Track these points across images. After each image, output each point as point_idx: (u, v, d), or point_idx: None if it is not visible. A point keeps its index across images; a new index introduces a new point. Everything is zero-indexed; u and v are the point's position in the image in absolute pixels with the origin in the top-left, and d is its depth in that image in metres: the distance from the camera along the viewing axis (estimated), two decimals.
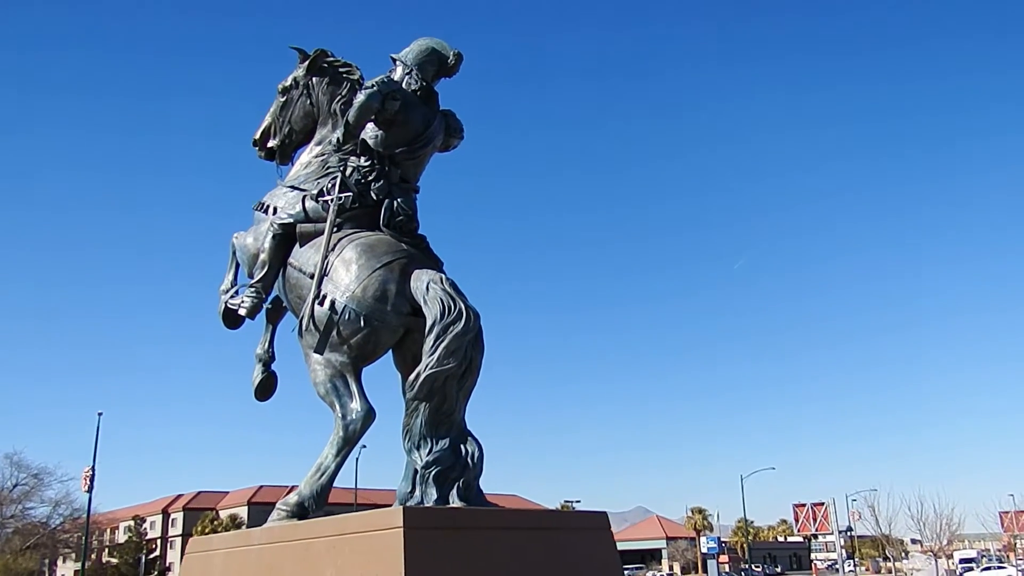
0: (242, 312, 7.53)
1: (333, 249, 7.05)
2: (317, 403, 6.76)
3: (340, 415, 6.51)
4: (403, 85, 7.77)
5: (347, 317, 6.57)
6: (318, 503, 6.44)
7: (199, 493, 78.84)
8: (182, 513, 76.92)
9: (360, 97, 7.21)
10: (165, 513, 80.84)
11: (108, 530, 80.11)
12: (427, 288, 6.40)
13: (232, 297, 7.79)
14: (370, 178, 7.34)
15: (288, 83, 8.63)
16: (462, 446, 5.98)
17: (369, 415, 6.48)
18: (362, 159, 7.44)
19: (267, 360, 8.20)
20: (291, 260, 7.56)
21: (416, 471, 5.98)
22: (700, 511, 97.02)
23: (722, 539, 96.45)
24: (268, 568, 5.90)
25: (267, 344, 8.29)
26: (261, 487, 77.55)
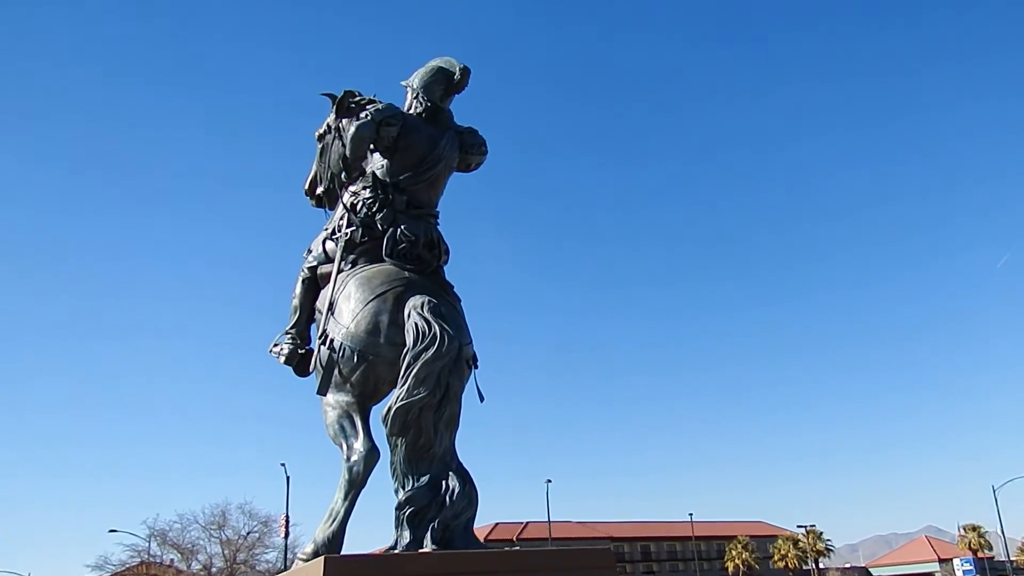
0: (281, 360, 7.58)
1: (338, 286, 6.93)
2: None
3: (345, 457, 6.29)
4: (410, 109, 7.57)
5: (343, 355, 6.38)
6: (330, 549, 6.21)
7: None
8: None
9: (352, 128, 7.09)
10: None
11: None
12: (408, 315, 6.06)
13: (275, 346, 7.90)
14: (374, 209, 7.16)
15: (322, 130, 8.70)
16: (444, 483, 5.51)
17: (371, 454, 6.19)
18: (366, 191, 7.29)
19: None
20: (317, 303, 7.54)
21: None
22: (974, 528, 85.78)
23: (1011, 559, 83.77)
24: None
25: None
26: (497, 524, 79.69)
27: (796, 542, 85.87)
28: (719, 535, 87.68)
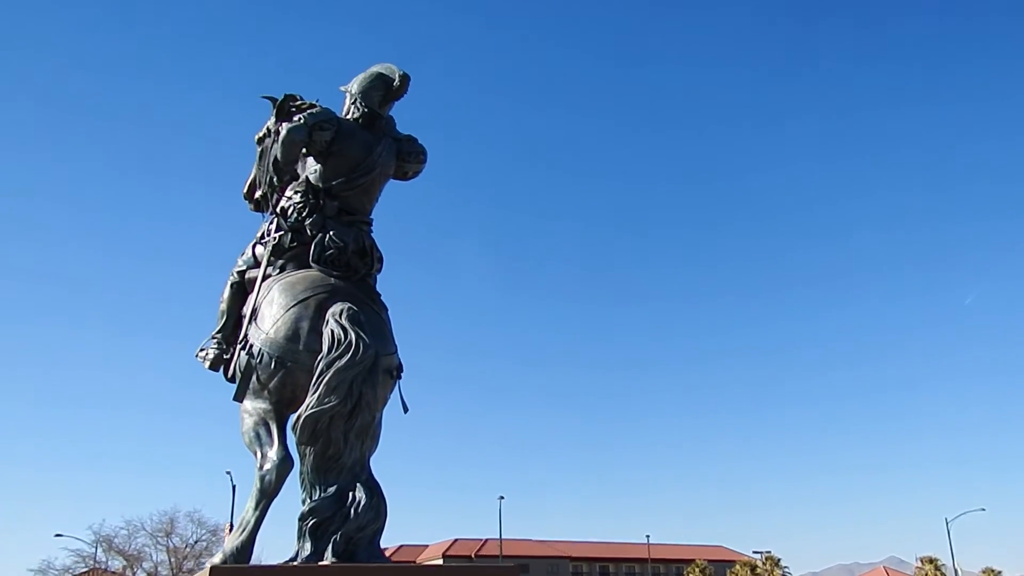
0: (206, 365, 7.41)
1: (263, 291, 6.80)
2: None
3: (258, 465, 6.15)
4: (347, 114, 7.49)
5: (262, 361, 6.25)
6: (238, 559, 6.05)
7: (401, 547, 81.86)
8: None
9: (283, 132, 6.99)
10: None
11: None
12: (327, 321, 5.96)
13: (201, 350, 7.73)
14: (304, 214, 7.05)
15: (262, 133, 8.56)
16: (351, 494, 5.39)
17: (284, 463, 6.05)
18: (296, 195, 7.18)
19: None
20: (244, 308, 7.40)
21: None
22: (931, 560, 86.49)
23: None
24: None
25: None
26: (456, 540, 79.15)
27: (753, 568, 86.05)
28: (679, 558, 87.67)
